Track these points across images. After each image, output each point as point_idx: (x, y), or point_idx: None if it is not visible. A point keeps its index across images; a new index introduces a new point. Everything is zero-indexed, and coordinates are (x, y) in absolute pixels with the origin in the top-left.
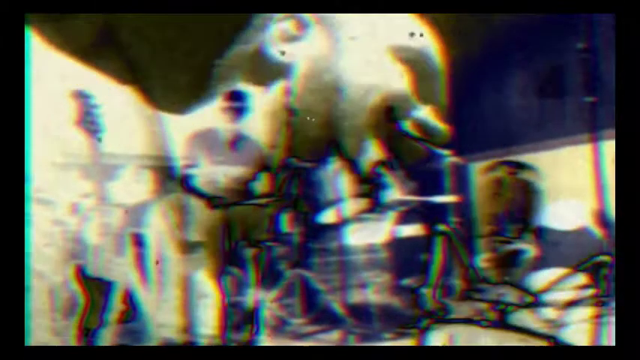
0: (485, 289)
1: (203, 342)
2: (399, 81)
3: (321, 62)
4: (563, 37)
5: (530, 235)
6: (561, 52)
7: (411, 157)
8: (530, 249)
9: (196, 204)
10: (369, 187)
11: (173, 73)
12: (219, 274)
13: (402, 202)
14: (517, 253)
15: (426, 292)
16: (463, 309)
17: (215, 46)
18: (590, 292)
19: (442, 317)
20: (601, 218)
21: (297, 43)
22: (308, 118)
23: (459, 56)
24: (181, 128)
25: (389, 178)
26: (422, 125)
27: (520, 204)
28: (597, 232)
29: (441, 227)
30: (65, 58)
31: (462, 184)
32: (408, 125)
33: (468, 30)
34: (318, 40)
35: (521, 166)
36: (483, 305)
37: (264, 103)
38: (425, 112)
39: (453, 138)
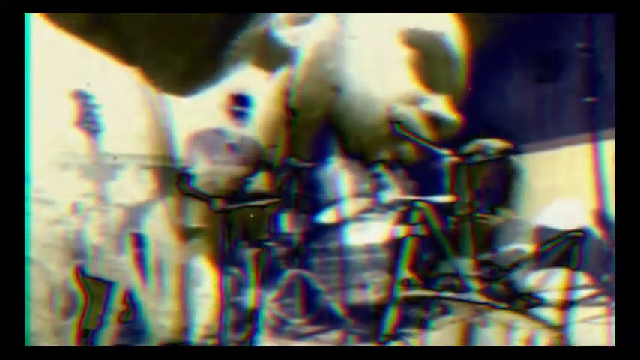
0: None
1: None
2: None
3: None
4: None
5: (506, 211)
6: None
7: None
8: (527, 248)
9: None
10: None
11: (175, 54)
12: (220, 274)
13: (402, 202)
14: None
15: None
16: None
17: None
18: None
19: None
20: (601, 218)
21: (305, 26)
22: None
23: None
24: (185, 111)
25: (389, 177)
26: (431, 117)
27: (498, 182)
28: (597, 232)
29: (419, 204)
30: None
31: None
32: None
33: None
34: (326, 23)
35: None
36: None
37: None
38: (435, 102)
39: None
